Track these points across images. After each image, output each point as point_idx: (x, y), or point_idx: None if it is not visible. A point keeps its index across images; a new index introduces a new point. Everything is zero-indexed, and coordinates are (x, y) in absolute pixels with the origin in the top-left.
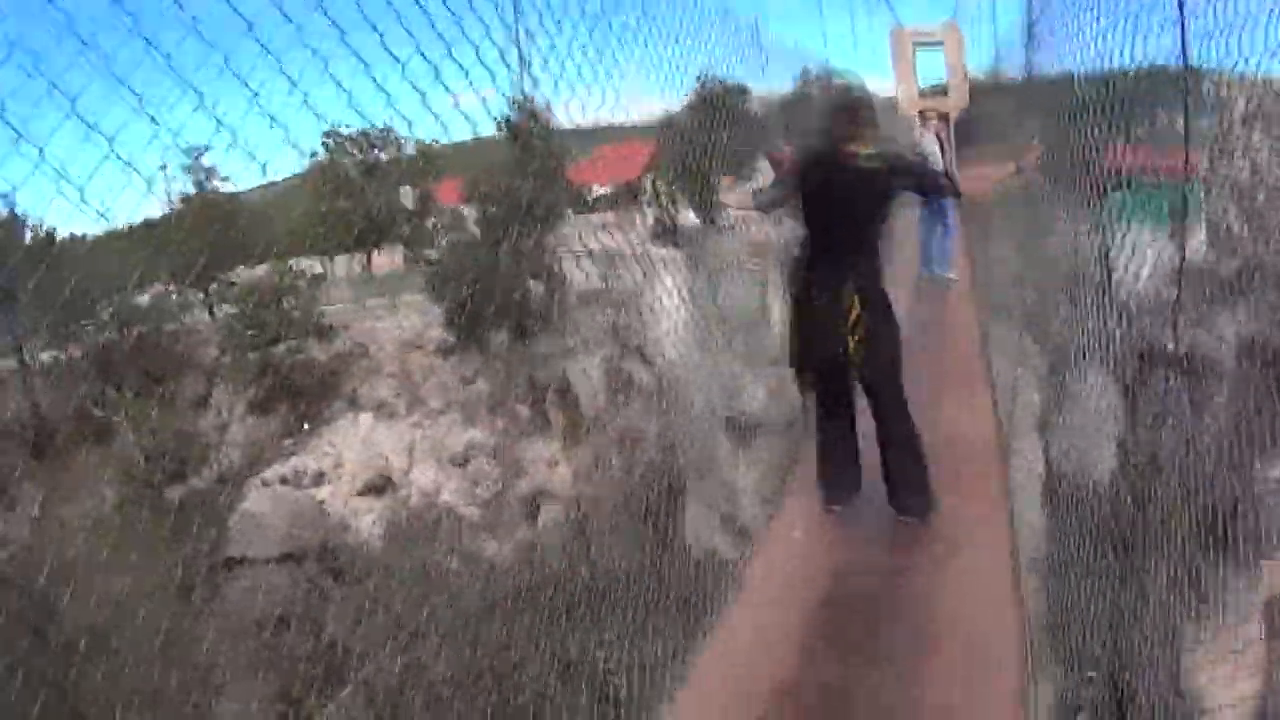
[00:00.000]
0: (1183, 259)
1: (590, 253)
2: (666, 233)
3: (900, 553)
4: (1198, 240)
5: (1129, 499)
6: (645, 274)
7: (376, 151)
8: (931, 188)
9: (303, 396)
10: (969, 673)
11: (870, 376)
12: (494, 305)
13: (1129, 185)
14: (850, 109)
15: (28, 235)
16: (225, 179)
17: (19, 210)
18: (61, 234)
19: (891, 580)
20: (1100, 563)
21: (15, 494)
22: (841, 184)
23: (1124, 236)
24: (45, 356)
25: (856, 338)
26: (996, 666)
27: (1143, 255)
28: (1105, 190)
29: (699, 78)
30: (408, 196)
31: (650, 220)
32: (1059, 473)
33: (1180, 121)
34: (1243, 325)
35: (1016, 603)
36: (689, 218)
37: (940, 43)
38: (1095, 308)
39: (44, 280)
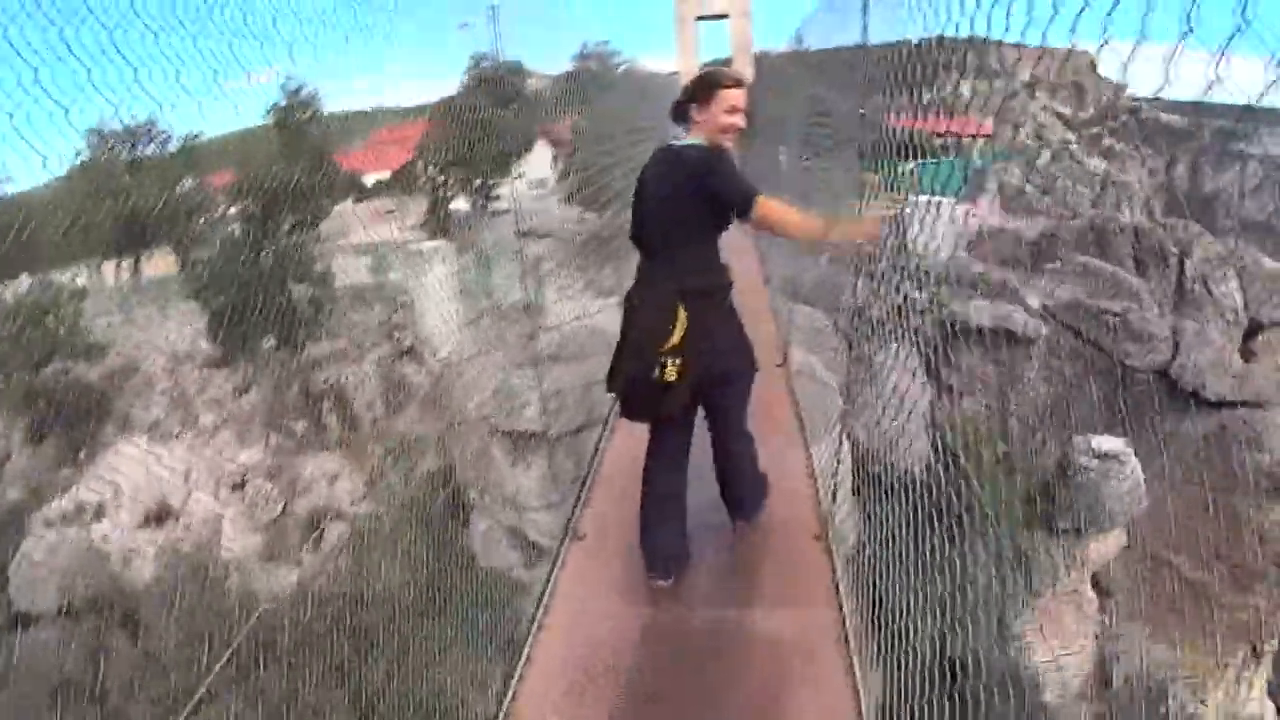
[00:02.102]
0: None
1: (361, 246)
2: (437, 220)
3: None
4: (990, 204)
5: (943, 478)
6: (415, 267)
7: (142, 147)
8: (739, 204)
9: (77, 422)
10: None
11: (705, 394)
12: (258, 311)
13: (919, 153)
14: (689, 88)
15: None
16: None
17: None
18: None
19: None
20: (922, 548)
21: None
22: (662, 174)
23: (918, 206)
24: None
25: (679, 361)
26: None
27: (938, 224)
28: (896, 159)
29: (473, 57)
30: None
31: (422, 208)
32: (870, 458)
33: (968, 88)
34: (1050, 292)
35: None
36: (460, 203)
37: (725, 15)
38: (892, 281)
39: None
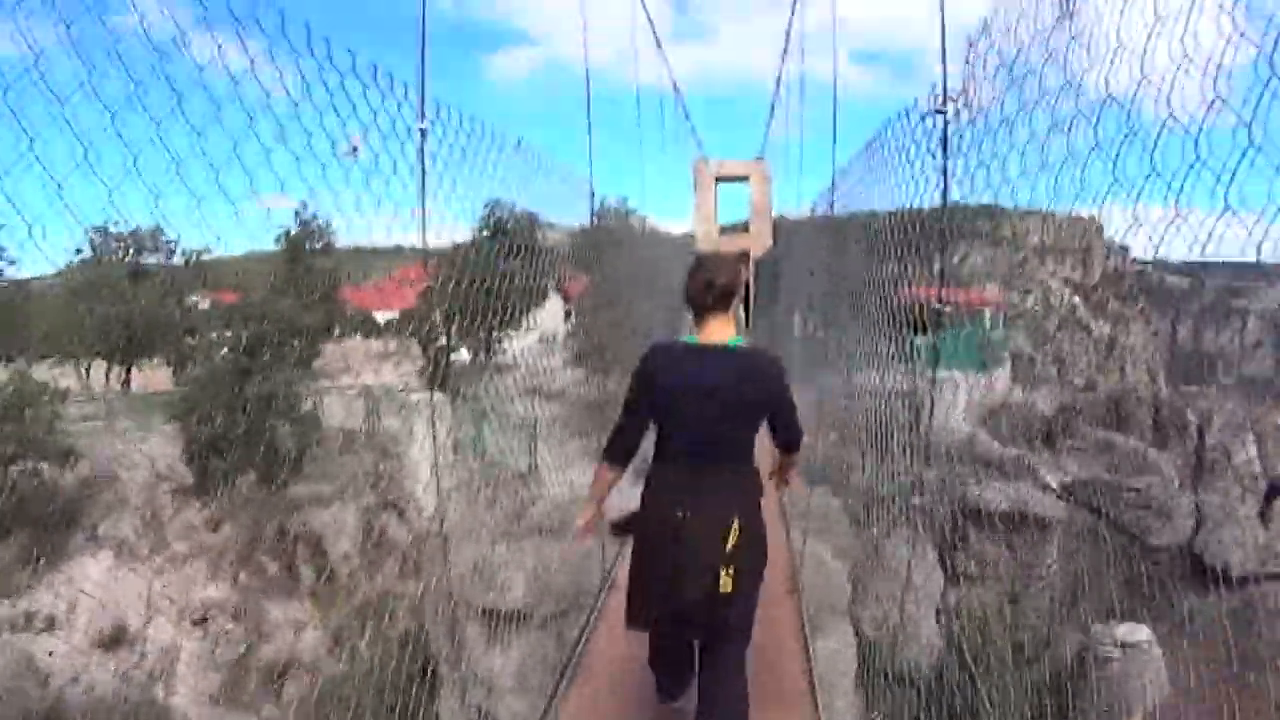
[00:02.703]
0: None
1: (357, 388)
2: (437, 370)
3: None
4: (1003, 378)
5: (957, 671)
6: (409, 416)
7: (146, 255)
8: (789, 438)
9: (41, 526)
10: None
11: (726, 618)
12: (242, 443)
13: (935, 325)
14: (708, 278)
15: None
16: None
17: None
18: None
19: None
20: None
21: None
22: (716, 377)
23: (932, 383)
24: None
25: (732, 571)
26: None
27: (952, 401)
28: (910, 333)
29: (487, 204)
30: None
31: (423, 355)
32: (875, 651)
33: (979, 258)
34: (1067, 470)
35: None
36: (462, 354)
37: (745, 178)
38: (904, 460)
39: None
